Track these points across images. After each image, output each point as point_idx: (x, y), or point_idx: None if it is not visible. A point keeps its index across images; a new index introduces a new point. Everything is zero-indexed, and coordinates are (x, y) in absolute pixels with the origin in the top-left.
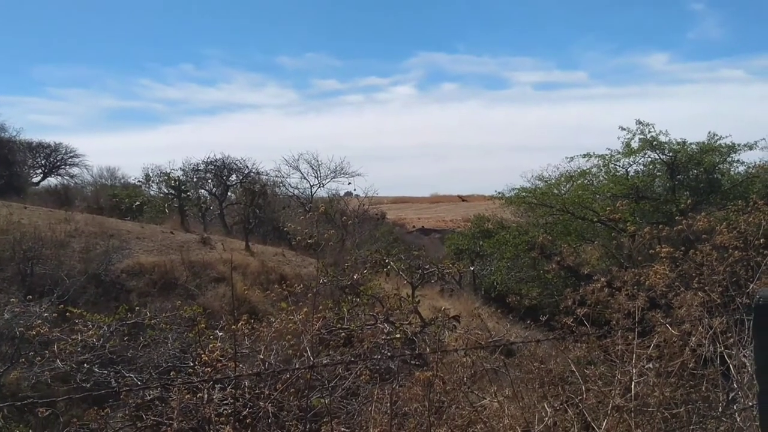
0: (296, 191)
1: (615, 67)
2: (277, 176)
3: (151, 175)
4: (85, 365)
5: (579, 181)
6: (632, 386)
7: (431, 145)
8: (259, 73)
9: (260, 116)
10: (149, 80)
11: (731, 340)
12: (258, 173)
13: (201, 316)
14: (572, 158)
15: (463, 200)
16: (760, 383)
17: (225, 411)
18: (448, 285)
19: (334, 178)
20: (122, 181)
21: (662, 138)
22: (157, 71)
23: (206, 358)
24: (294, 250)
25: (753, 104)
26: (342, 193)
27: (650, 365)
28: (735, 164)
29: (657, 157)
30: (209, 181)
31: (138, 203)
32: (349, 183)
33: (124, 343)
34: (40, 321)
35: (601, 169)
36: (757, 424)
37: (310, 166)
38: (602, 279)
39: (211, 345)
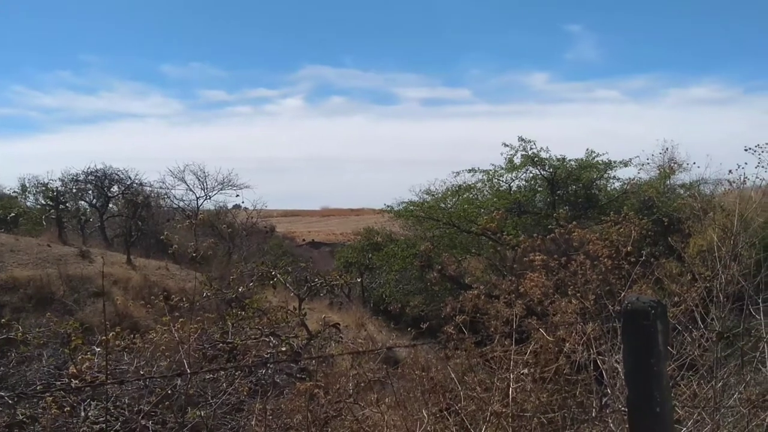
0: (182, 203)
1: (497, 85)
2: (161, 188)
3: (27, 185)
4: None
5: (464, 196)
6: (510, 392)
7: (321, 158)
8: (142, 82)
9: (143, 126)
10: (24, 87)
11: (604, 346)
12: (141, 184)
13: (78, 331)
14: (458, 173)
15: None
16: (629, 387)
17: (100, 428)
18: (338, 298)
19: (221, 190)
20: None
21: (543, 154)
22: (32, 77)
23: (75, 371)
24: (178, 263)
25: (628, 123)
26: (230, 205)
27: (525, 371)
28: (611, 180)
29: (538, 172)
30: (89, 192)
31: (13, 215)
32: (237, 195)
33: None
34: None
35: (486, 184)
36: (627, 426)
37: (197, 178)
38: (480, 287)
39: (80, 357)
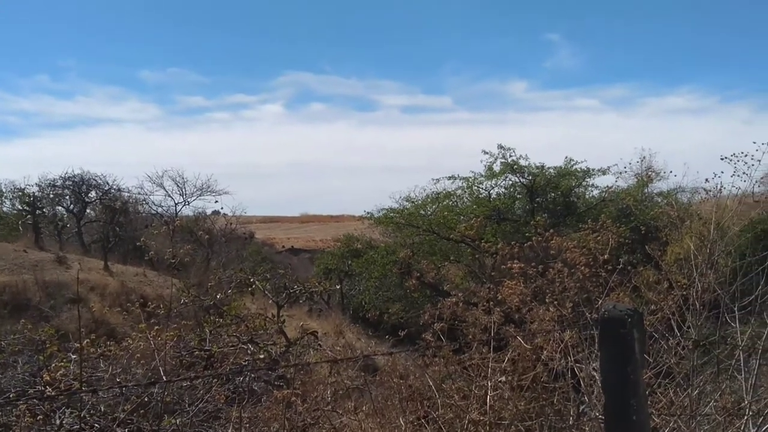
0: (160, 209)
1: (477, 93)
2: (139, 193)
3: (3, 190)
4: None
5: (444, 203)
6: (488, 400)
7: (301, 165)
8: (119, 87)
9: (120, 131)
10: (1, 91)
11: (581, 354)
12: (119, 190)
13: (53, 338)
14: (438, 180)
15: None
16: (606, 395)
17: None
18: (317, 305)
19: (200, 196)
20: None
21: (522, 162)
22: (10, 82)
23: (48, 378)
24: (156, 270)
25: (606, 132)
26: (209, 211)
27: (503, 379)
28: (590, 188)
29: (517, 180)
30: (66, 197)
31: None
32: (216, 201)
33: None
34: None
35: (465, 191)
36: None
37: (175, 184)
38: (459, 294)
39: (54, 365)
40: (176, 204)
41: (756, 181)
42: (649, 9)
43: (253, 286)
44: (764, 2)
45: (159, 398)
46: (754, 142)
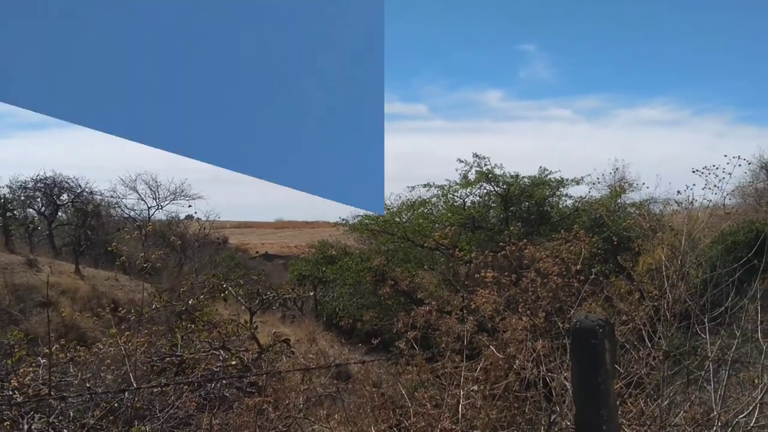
0: (132, 213)
1: (453, 101)
2: (112, 197)
3: None
4: None
5: (419, 210)
6: (460, 409)
7: None
8: None
9: (95, 132)
10: None
11: (553, 363)
12: (91, 193)
13: (22, 342)
14: (413, 187)
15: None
16: (577, 405)
17: None
18: (290, 311)
19: (173, 200)
20: None
21: (497, 171)
22: None
23: (16, 383)
24: (128, 274)
25: (580, 142)
26: (182, 216)
27: (475, 387)
28: (563, 198)
29: (492, 189)
30: (38, 200)
31: None
32: (190, 206)
33: None
34: None
35: (440, 199)
36: None
37: (149, 187)
38: (432, 302)
39: (22, 369)
40: (149, 208)
41: (727, 194)
42: (622, 22)
43: (226, 292)
44: (736, 17)
45: (129, 404)
46: (725, 156)
